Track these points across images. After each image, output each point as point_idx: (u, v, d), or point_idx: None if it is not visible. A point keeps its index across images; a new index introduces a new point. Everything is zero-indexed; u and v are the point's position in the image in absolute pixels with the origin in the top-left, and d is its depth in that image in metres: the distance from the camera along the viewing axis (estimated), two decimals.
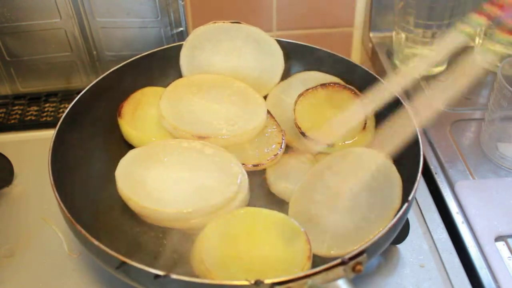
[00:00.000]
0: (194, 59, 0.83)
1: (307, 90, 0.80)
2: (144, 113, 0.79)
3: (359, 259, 0.54)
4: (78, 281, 0.69)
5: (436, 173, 0.84)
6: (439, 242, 0.74)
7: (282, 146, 0.75)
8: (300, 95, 0.79)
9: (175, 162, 0.69)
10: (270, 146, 0.75)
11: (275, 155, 0.74)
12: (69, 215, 0.59)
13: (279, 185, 0.73)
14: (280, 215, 0.65)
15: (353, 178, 0.69)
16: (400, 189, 0.66)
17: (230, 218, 0.64)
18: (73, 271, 0.71)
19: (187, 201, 0.64)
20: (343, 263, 0.53)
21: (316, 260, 0.62)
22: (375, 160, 0.69)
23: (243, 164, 0.72)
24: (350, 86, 0.80)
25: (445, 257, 0.72)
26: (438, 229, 0.76)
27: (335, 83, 0.80)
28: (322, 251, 0.63)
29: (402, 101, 0.74)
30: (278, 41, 0.84)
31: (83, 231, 0.57)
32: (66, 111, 0.73)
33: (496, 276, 0.68)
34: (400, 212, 0.60)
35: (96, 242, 0.56)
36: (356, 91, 0.79)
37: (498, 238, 0.73)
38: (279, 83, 0.84)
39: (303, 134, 0.75)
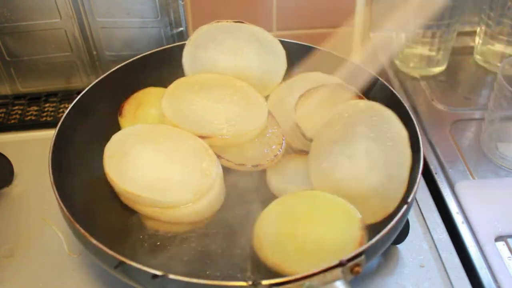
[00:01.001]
0: (197, 58, 0.83)
1: (308, 90, 0.80)
2: (145, 113, 0.79)
3: (357, 261, 0.54)
4: (78, 281, 0.69)
5: (436, 173, 0.84)
6: (439, 242, 0.74)
7: (282, 147, 0.75)
8: (301, 96, 0.79)
9: (164, 149, 0.70)
10: (270, 146, 0.75)
11: (275, 155, 0.74)
12: (68, 214, 0.59)
13: (280, 186, 0.72)
14: (341, 200, 0.65)
15: (355, 134, 0.69)
16: (397, 120, 0.67)
17: (291, 198, 0.66)
18: (73, 271, 0.71)
19: (160, 190, 0.65)
20: (341, 264, 0.53)
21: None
22: (360, 106, 0.70)
23: (242, 164, 0.72)
24: (351, 87, 0.80)
25: (445, 257, 0.72)
26: (438, 229, 0.76)
27: (336, 84, 0.80)
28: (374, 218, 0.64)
29: (402, 100, 0.74)
30: (280, 41, 0.84)
31: (82, 230, 0.57)
32: (67, 111, 0.73)
33: (496, 276, 0.68)
34: (400, 213, 0.60)
35: (94, 242, 0.56)
36: (357, 91, 0.79)
37: (498, 238, 0.73)
38: (280, 83, 0.84)
39: (303, 135, 0.75)
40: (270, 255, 0.60)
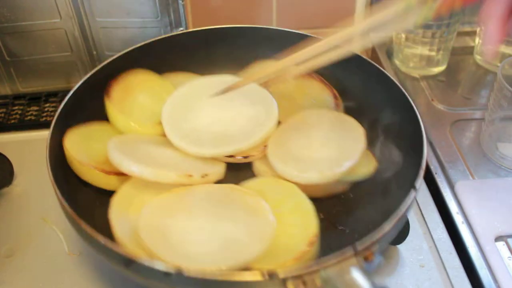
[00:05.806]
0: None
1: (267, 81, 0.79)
2: (133, 98, 0.78)
3: (372, 248, 0.54)
4: (78, 281, 0.69)
5: (436, 173, 0.84)
6: (439, 242, 0.74)
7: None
8: (265, 84, 0.78)
9: (201, 209, 0.64)
10: None
11: (264, 146, 0.74)
12: (73, 214, 0.58)
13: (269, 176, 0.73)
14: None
15: (316, 126, 0.76)
16: (358, 124, 0.74)
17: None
18: (73, 271, 0.71)
19: (215, 256, 0.59)
20: (355, 253, 0.53)
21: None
22: (325, 113, 0.78)
23: (232, 156, 0.72)
24: (317, 75, 0.83)
25: (445, 257, 0.72)
26: (438, 229, 0.76)
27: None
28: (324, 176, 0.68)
29: (403, 92, 0.74)
30: (273, 32, 0.85)
31: (89, 229, 0.56)
32: (61, 105, 0.71)
33: (496, 276, 0.68)
34: (411, 199, 0.59)
35: (103, 241, 0.55)
36: (324, 79, 0.82)
37: (498, 238, 0.73)
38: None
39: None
40: None
